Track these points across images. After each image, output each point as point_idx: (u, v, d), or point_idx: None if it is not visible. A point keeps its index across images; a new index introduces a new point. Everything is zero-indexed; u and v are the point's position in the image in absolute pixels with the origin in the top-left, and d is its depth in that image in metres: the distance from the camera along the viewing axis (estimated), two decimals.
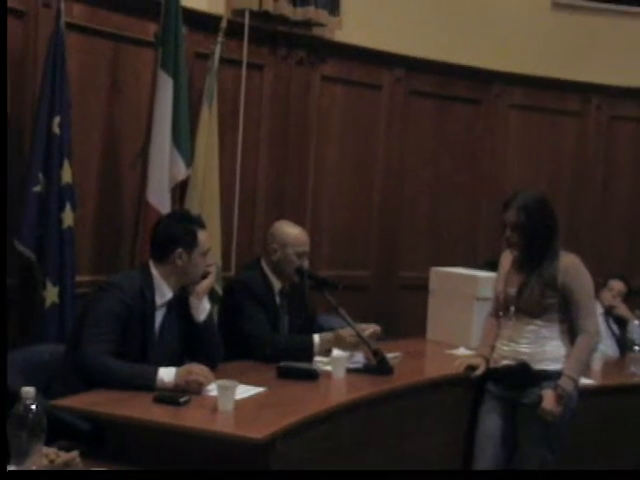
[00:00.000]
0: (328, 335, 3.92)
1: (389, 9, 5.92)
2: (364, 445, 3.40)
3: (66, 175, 4.16)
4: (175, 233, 3.41)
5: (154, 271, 3.39)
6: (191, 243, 3.41)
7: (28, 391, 2.22)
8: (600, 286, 5.41)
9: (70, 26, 4.28)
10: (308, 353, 3.84)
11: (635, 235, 6.74)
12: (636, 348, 4.81)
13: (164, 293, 3.39)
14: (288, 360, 3.63)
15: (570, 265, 3.75)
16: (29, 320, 4.17)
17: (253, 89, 5.39)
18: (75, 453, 2.49)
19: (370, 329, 3.95)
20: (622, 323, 5.46)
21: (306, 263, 4.02)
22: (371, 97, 6.01)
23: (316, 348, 3.87)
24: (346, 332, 3.86)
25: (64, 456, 2.46)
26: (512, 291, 3.81)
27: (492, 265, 4.28)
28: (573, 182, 6.66)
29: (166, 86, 4.55)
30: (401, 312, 5.80)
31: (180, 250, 3.38)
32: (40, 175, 4.11)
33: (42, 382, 3.18)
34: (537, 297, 3.72)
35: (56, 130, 4.11)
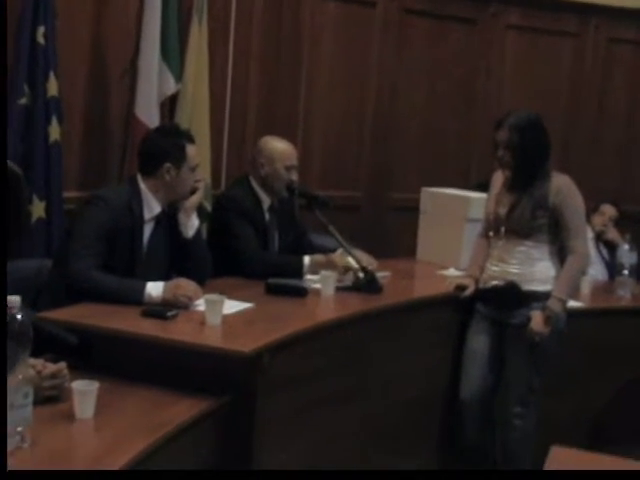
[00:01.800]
0: (319, 257, 3.91)
1: None
2: (351, 363, 3.42)
3: (52, 88, 4.12)
4: (163, 147, 3.38)
5: (142, 185, 3.37)
6: (179, 158, 3.38)
7: (13, 300, 2.21)
8: (591, 210, 5.43)
9: None
10: (297, 273, 3.84)
11: (628, 159, 6.71)
12: (625, 272, 4.82)
13: (152, 207, 3.38)
14: (277, 276, 3.63)
15: (562, 186, 3.74)
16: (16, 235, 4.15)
17: (244, 4, 5.28)
18: (62, 364, 2.51)
19: (364, 258, 3.93)
20: (612, 248, 5.48)
21: (295, 176, 4.00)
22: (364, 15, 5.90)
23: (306, 269, 3.87)
24: (339, 257, 3.86)
25: (51, 367, 2.48)
26: (503, 211, 3.81)
27: (483, 187, 4.26)
28: (568, 104, 6.60)
29: None
30: (391, 233, 5.79)
31: (168, 165, 3.36)
32: (25, 87, 4.06)
33: (29, 296, 3.18)
34: (527, 217, 3.72)
35: (41, 40, 4.05)
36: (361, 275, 3.73)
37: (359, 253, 3.90)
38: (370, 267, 3.81)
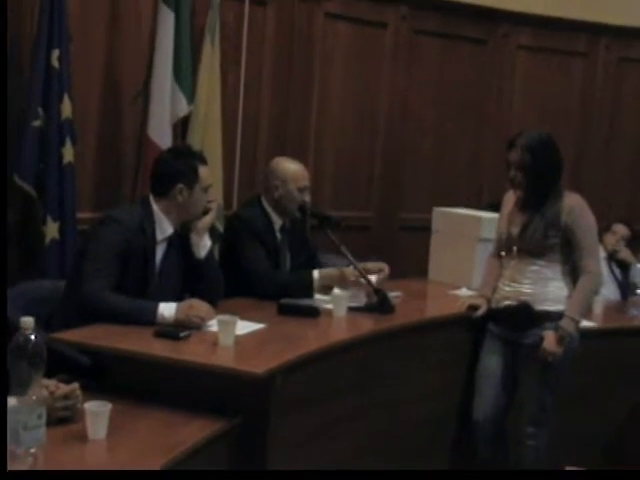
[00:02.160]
0: (328, 271, 3.92)
1: None
2: (364, 383, 3.42)
3: (66, 110, 4.14)
4: (176, 168, 3.39)
5: (155, 206, 3.38)
6: (192, 179, 3.39)
7: (27, 321, 2.22)
8: (603, 230, 5.41)
9: None
10: (308, 289, 3.84)
11: (638, 176, 6.71)
12: (638, 292, 4.80)
13: (165, 228, 3.38)
14: (288, 296, 3.64)
15: (574, 205, 3.73)
16: (29, 256, 4.17)
17: (256, 25, 5.31)
18: (75, 385, 2.51)
19: (377, 268, 3.94)
20: (625, 267, 5.45)
21: (308, 197, 4.01)
22: (375, 35, 5.93)
23: (316, 283, 3.87)
24: (349, 271, 3.86)
25: (64, 388, 2.48)
26: (515, 231, 3.80)
27: (495, 207, 4.27)
28: (580, 123, 6.62)
29: (167, 20, 4.51)
30: (403, 252, 5.78)
31: (181, 185, 3.36)
32: (40, 110, 4.09)
33: (42, 317, 3.19)
34: (540, 237, 3.71)
35: (55, 64, 4.08)
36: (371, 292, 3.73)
37: (371, 264, 3.92)
38: (382, 274, 3.86)
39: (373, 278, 3.85)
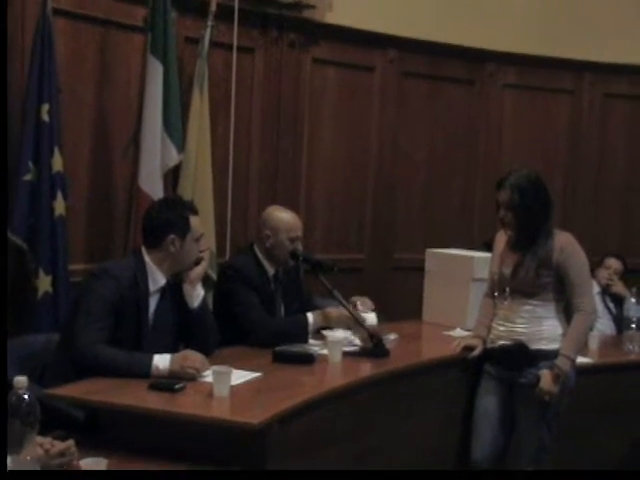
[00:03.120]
0: (322, 311, 3.94)
1: None
2: (361, 429, 3.40)
3: (57, 163, 4.14)
4: (167, 219, 3.39)
5: (147, 257, 3.38)
6: (184, 229, 3.39)
7: (20, 380, 2.21)
8: (595, 264, 5.42)
9: (57, 12, 4.24)
10: (303, 333, 3.85)
11: (630, 213, 6.75)
12: (632, 326, 4.80)
13: (157, 279, 3.38)
14: (284, 342, 3.63)
15: (565, 244, 3.74)
16: (22, 310, 4.15)
17: (244, 73, 5.35)
18: (70, 442, 2.48)
19: (361, 303, 4.01)
20: (619, 301, 5.46)
21: (299, 247, 4.01)
22: (364, 79, 5.98)
23: (311, 327, 3.88)
24: (340, 311, 3.87)
25: (59, 445, 2.46)
26: (507, 271, 3.80)
27: (489, 246, 4.27)
28: (568, 160, 6.65)
29: (156, 72, 4.53)
30: (396, 294, 5.79)
31: (173, 236, 3.37)
32: (30, 164, 4.09)
33: (36, 372, 3.18)
34: (532, 276, 3.72)
35: (45, 118, 4.09)
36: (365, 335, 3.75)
37: (356, 298, 3.98)
38: (366, 309, 3.90)
39: (369, 317, 3.86)
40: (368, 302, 4.14)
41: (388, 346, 3.75)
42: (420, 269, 4.80)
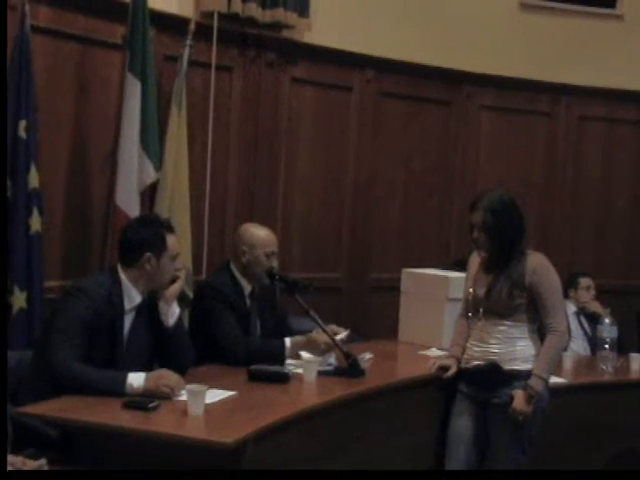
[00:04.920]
0: (300, 339, 3.92)
1: (358, 10, 5.93)
2: (336, 448, 3.41)
3: (33, 180, 4.14)
4: (143, 237, 3.40)
5: (122, 275, 3.38)
6: (160, 247, 3.40)
7: None
8: (569, 285, 5.48)
9: (36, 29, 4.26)
10: (280, 357, 3.85)
11: (604, 234, 6.82)
12: (606, 346, 4.84)
13: (133, 297, 3.38)
14: (259, 362, 3.63)
15: (538, 265, 3.77)
16: None
17: (222, 92, 5.38)
18: (43, 461, 2.48)
19: (342, 334, 3.96)
20: (594, 320, 5.50)
21: (275, 263, 4.03)
22: (341, 99, 6.02)
23: (287, 352, 3.88)
24: (318, 336, 3.87)
25: (30, 464, 2.45)
26: (481, 292, 3.82)
27: (461, 264, 4.29)
28: (544, 181, 6.73)
29: (134, 89, 4.54)
30: (373, 313, 5.81)
31: (149, 255, 3.37)
32: (7, 180, 4.08)
33: (9, 389, 3.17)
34: (505, 298, 3.74)
35: (22, 134, 4.10)
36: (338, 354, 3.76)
37: (336, 328, 3.95)
38: (339, 336, 3.86)
39: (341, 335, 3.88)
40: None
41: (363, 365, 3.76)
42: (396, 289, 4.82)
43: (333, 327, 3.93)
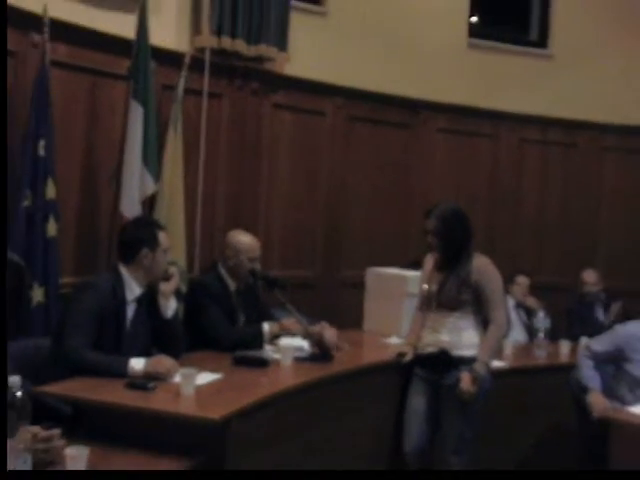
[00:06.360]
0: (274, 324, 3.97)
1: (330, 46, 5.97)
2: (309, 424, 3.41)
3: (50, 191, 4.15)
4: (139, 236, 3.41)
5: (123, 271, 3.38)
6: (154, 243, 3.40)
7: (14, 380, 2.24)
8: (508, 281, 5.54)
9: (55, 63, 4.28)
10: (259, 340, 3.87)
11: (541, 239, 6.89)
12: (541, 335, 4.91)
13: (133, 289, 3.38)
14: (242, 348, 3.65)
15: (482, 266, 3.81)
16: (19, 317, 4.14)
17: (213, 115, 5.40)
18: (56, 430, 2.49)
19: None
20: (530, 312, 5.58)
21: (257, 266, 4.05)
22: (316, 122, 6.05)
23: (266, 336, 3.91)
24: (289, 321, 3.92)
25: (44, 433, 2.46)
26: (434, 288, 3.86)
27: (418, 264, 4.31)
28: (490, 196, 6.78)
29: (137, 113, 4.55)
30: (343, 306, 5.82)
31: (146, 250, 3.37)
32: (28, 191, 4.09)
33: (29, 371, 3.17)
34: (454, 293, 3.78)
35: (41, 152, 4.10)
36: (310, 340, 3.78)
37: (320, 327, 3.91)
38: (331, 340, 3.80)
39: (330, 333, 3.85)
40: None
41: (340, 354, 3.78)
42: (362, 285, 4.85)
43: (324, 324, 3.89)
